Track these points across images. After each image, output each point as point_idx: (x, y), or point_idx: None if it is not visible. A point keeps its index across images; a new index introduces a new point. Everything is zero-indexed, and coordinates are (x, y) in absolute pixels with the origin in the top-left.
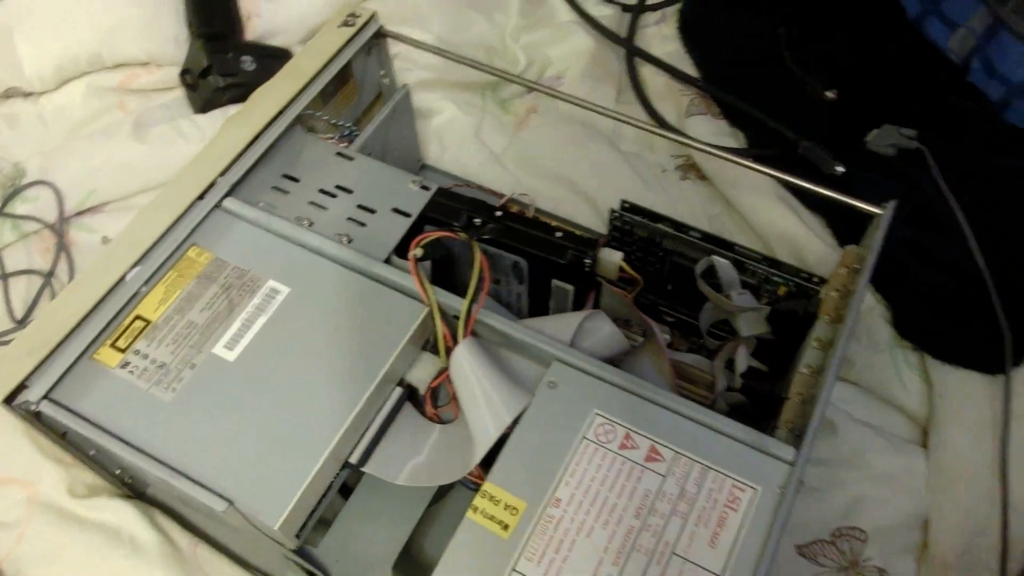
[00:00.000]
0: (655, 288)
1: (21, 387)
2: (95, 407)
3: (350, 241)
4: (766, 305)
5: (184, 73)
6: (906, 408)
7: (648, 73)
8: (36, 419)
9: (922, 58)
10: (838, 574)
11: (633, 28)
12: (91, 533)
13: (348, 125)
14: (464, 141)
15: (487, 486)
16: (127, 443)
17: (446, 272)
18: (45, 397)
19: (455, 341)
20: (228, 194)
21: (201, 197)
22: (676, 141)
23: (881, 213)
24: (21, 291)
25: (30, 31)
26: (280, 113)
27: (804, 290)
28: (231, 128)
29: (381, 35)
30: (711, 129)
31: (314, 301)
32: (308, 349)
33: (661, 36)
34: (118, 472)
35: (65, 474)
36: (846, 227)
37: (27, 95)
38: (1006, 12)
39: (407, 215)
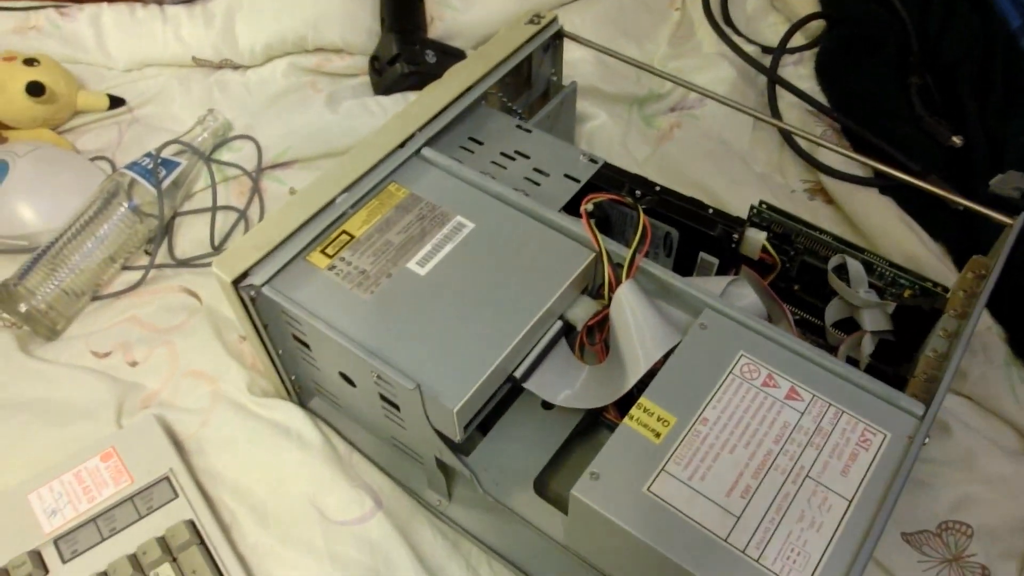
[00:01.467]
0: (780, 289)
1: (246, 274)
2: (306, 297)
3: (527, 195)
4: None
5: (374, 59)
6: (1017, 423)
7: (783, 106)
8: (252, 303)
9: None
10: (941, 565)
11: (777, 61)
12: (264, 426)
13: (519, 111)
14: (611, 146)
15: (643, 400)
16: (332, 326)
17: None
18: (267, 283)
19: (618, 283)
20: (425, 145)
21: (402, 146)
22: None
23: (1011, 223)
24: (219, 224)
25: (248, 12)
26: (470, 88)
27: (929, 293)
28: (429, 94)
29: (560, 36)
30: (840, 160)
31: (495, 237)
32: (487, 276)
33: (798, 75)
34: (293, 378)
35: (246, 375)
36: (967, 256)
37: (236, 67)
38: None
39: (576, 180)
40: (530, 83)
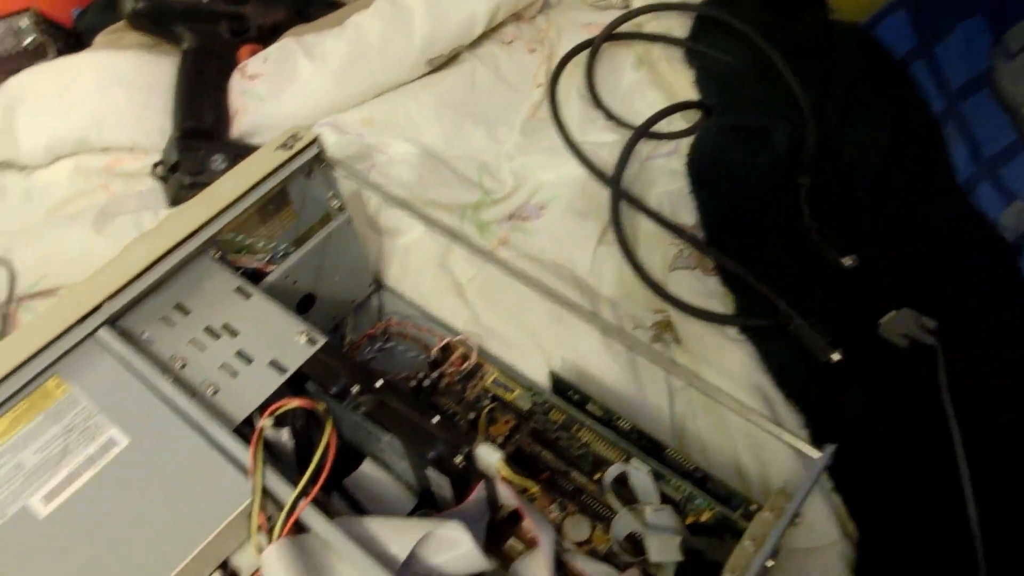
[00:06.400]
0: (583, 470)
1: None
2: None
3: (215, 392)
4: (687, 528)
5: (156, 165)
6: None
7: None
8: None
9: (965, 232)
10: None
11: (624, 162)
12: None
13: (283, 247)
14: (426, 266)
15: None
16: None
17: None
18: None
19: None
20: (111, 320)
21: (82, 320)
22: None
23: (815, 458)
24: None
25: (29, 108)
26: (191, 236)
27: (728, 524)
28: (135, 247)
29: (322, 160)
30: (697, 287)
31: (150, 460)
32: (126, 515)
33: (669, 170)
34: None
35: None
36: (827, 427)
37: (21, 168)
38: None
39: (283, 371)
40: (297, 213)
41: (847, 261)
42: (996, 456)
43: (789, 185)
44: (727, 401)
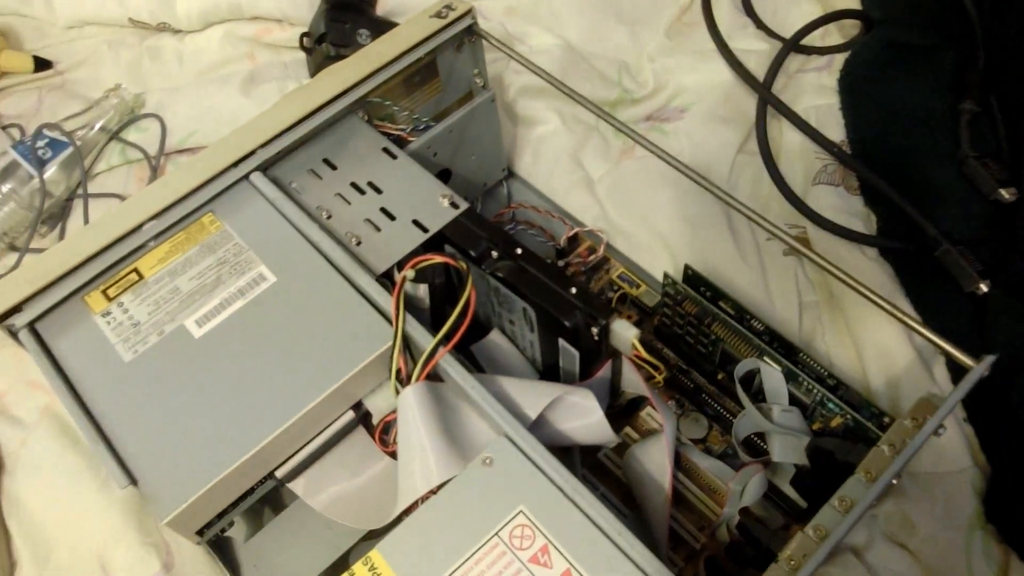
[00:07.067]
0: (705, 370)
1: (17, 308)
2: (65, 347)
3: (359, 243)
4: (813, 433)
5: (304, 36)
6: None
7: (788, 125)
8: (17, 341)
9: None
10: None
11: (775, 72)
12: (77, 458)
13: (424, 120)
14: (559, 158)
15: (373, 554)
16: (74, 392)
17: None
18: (29, 325)
19: (408, 380)
20: (262, 167)
21: (236, 165)
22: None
23: (973, 367)
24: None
25: None
26: (341, 95)
27: (862, 430)
28: (287, 101)
29: (473, 32)
30: (838, 204)
31: (296, 298)
32: (271, 346)
33: (819, 85)
34: None
35: None
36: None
37: (175, 32)
38: None
39: (424, 230)
40: (442, 86)
41: (1007, 194)
42: None
43: (951, 110)
44: (873, 298)
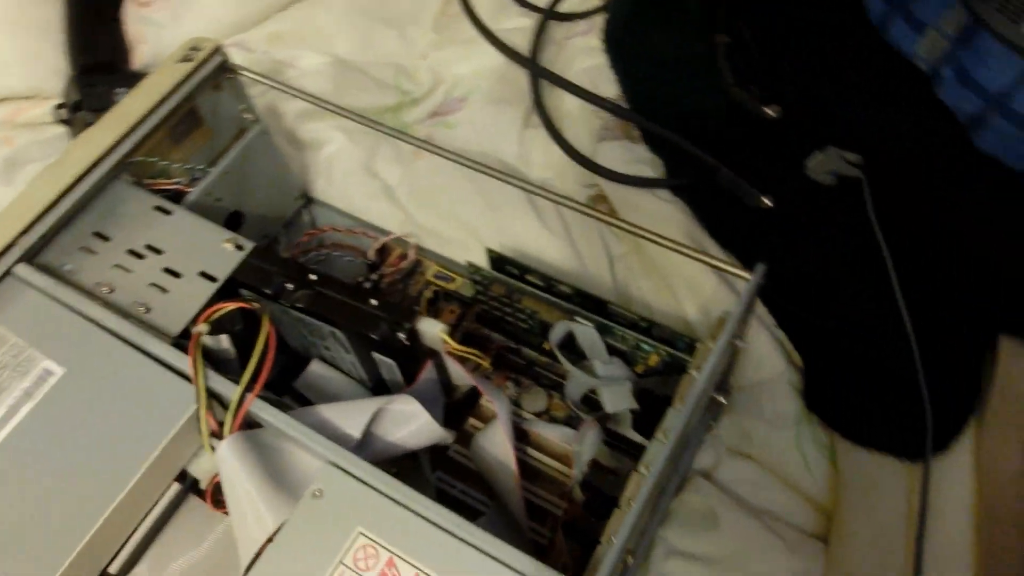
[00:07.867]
0: (533, 343)
1: None
2: None
3: (148, 311)
4: (638, 376)
5: (59, 107)
6: (809, 494)
7: (562, 91)
8: None
9: (884, 67)
10: None
11: (537, 43)
12: None
13: (200, 167)
14: (353, 173)
15: None
16: None
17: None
18: None
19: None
20: (26, 257)
21: None
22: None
23: (748, 279)
24: None
25: None
26: (98, 162)
27: (678, 361)
28: (40, 180)
29: (228, 69)
30: (625, 156)
31: (90, 384)
32: (73, 441)
33: (587, 48)
34: None
35: None
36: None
37: None
38: (988, 10)
39: (213, 280)
40: (211, 130)
41: (771, 111)
42: (927, 279)
43: (707, 46)
44: (661, 241)
